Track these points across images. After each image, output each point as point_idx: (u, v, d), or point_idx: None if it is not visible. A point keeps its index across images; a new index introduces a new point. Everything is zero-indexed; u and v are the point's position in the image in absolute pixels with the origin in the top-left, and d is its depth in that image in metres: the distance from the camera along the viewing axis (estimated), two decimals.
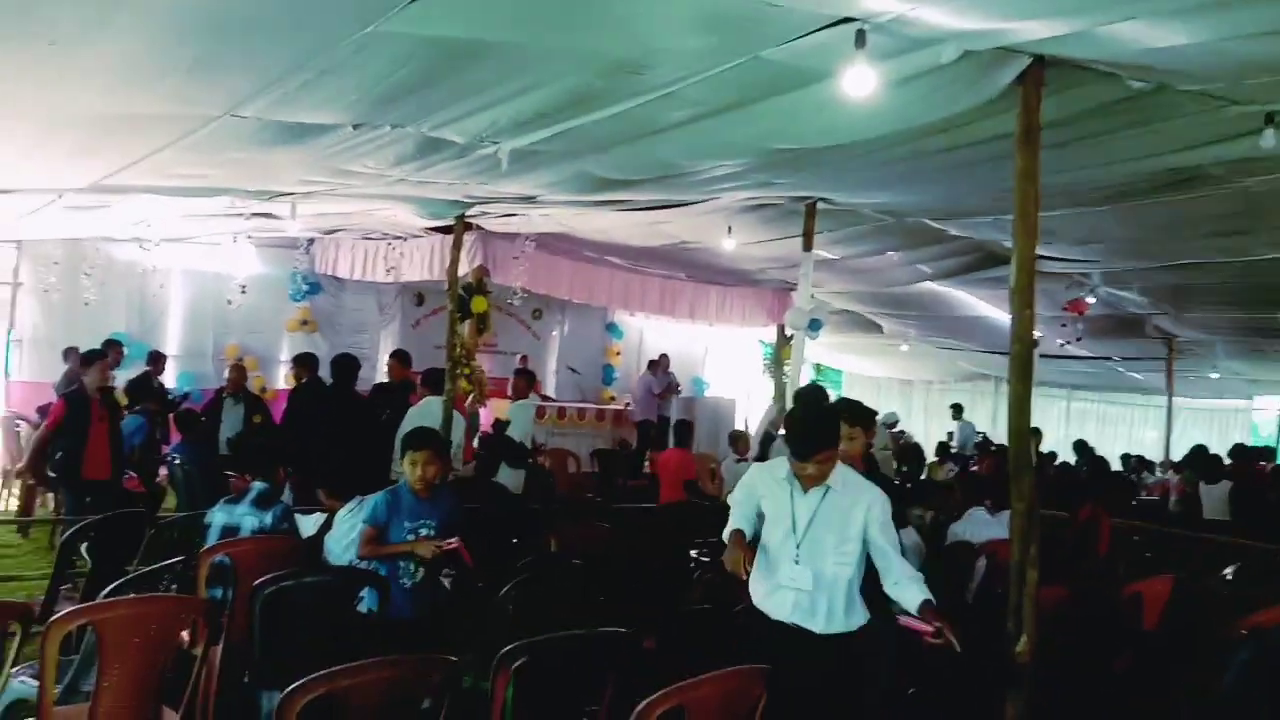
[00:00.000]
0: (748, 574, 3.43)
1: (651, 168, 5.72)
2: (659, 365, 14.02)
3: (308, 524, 5.39)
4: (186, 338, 12.08)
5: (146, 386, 9.59)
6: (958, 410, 15.29)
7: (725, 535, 3.61)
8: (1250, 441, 13.35)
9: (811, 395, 4.19)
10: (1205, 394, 14.79)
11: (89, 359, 7.32)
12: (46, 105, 4.43)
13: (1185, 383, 13.20)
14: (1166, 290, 9.82)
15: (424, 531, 4.32)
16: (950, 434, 15.02)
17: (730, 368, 17.20)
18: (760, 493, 3.66)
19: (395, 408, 8.21)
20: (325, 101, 4.29)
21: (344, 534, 4.73)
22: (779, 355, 12.66)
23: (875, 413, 5.04)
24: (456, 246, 8.54)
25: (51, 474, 7.59)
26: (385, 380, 9.59)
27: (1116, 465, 13.24)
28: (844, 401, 4.93)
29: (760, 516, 3.62)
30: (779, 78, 3.86)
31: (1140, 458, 14.12)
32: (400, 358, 9.26)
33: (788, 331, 10.84)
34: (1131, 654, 4.85)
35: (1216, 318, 10.61)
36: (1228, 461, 10.11)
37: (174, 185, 6.73)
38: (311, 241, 12.53)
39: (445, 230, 9.86)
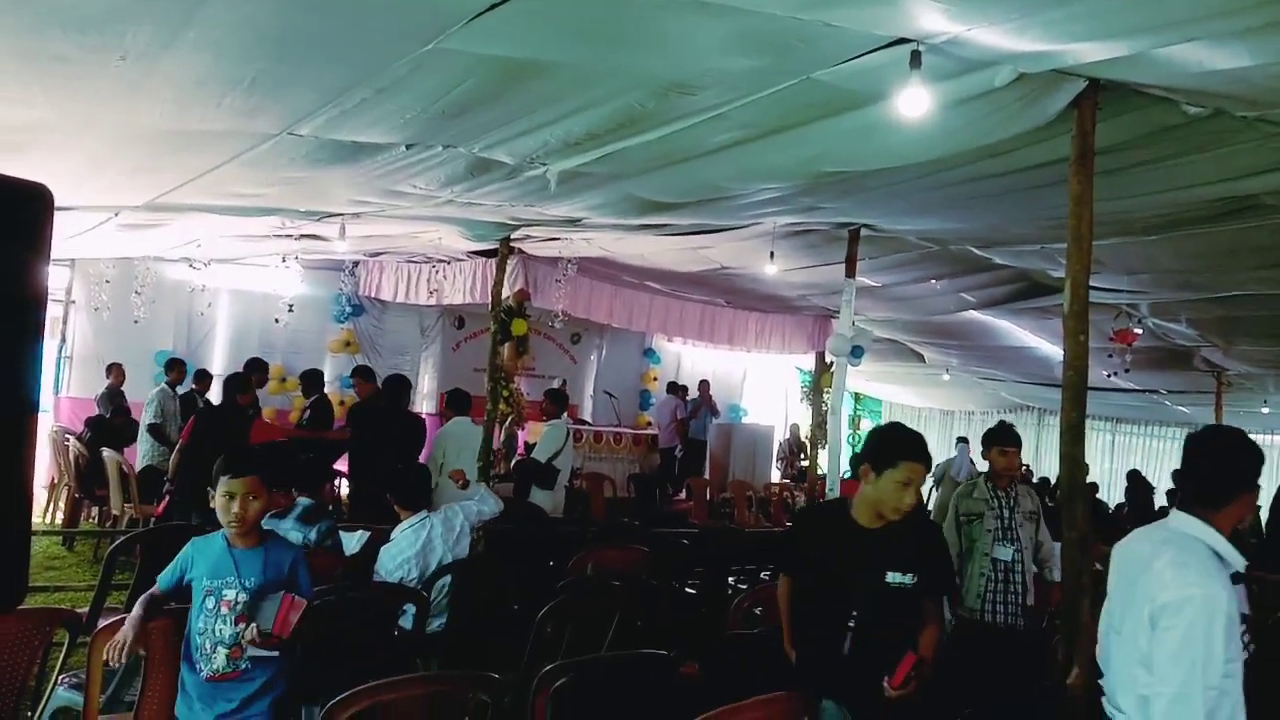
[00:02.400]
0: None
1: (697, 190, 5.74)
2: (687, 390, 14.04)
3: (351, 541, 5.43)
4: (231, 357, 12.25)
5: (194, 405, 9.72)
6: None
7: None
8: None
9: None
10: (1255, 429, 14.41)
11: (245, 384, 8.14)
12: (111, 121, 4.55)
13: (1234, 417, 12.87)
14: (1216, 322, 9.64)
15: (228, 594, 3.12)
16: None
17: (768, 395, 17.12)
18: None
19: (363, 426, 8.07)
20: (380, 120, 4.36)
21: (401, 549, 4.74)
22: (818, 383, 12.56)
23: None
24: (500, 269, 8.61)
25: None
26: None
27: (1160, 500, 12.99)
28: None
29: None
30: (830, 100, 3.86)
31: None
32: (364, 374, 8.86)
33: (828, 358, 10.77)
34: None
35: (1267, 352, 10.39)
36: None
37: (228, 204, 6.86)
38: (356, 264, 12.72)
39: (487, 254, 9.98)
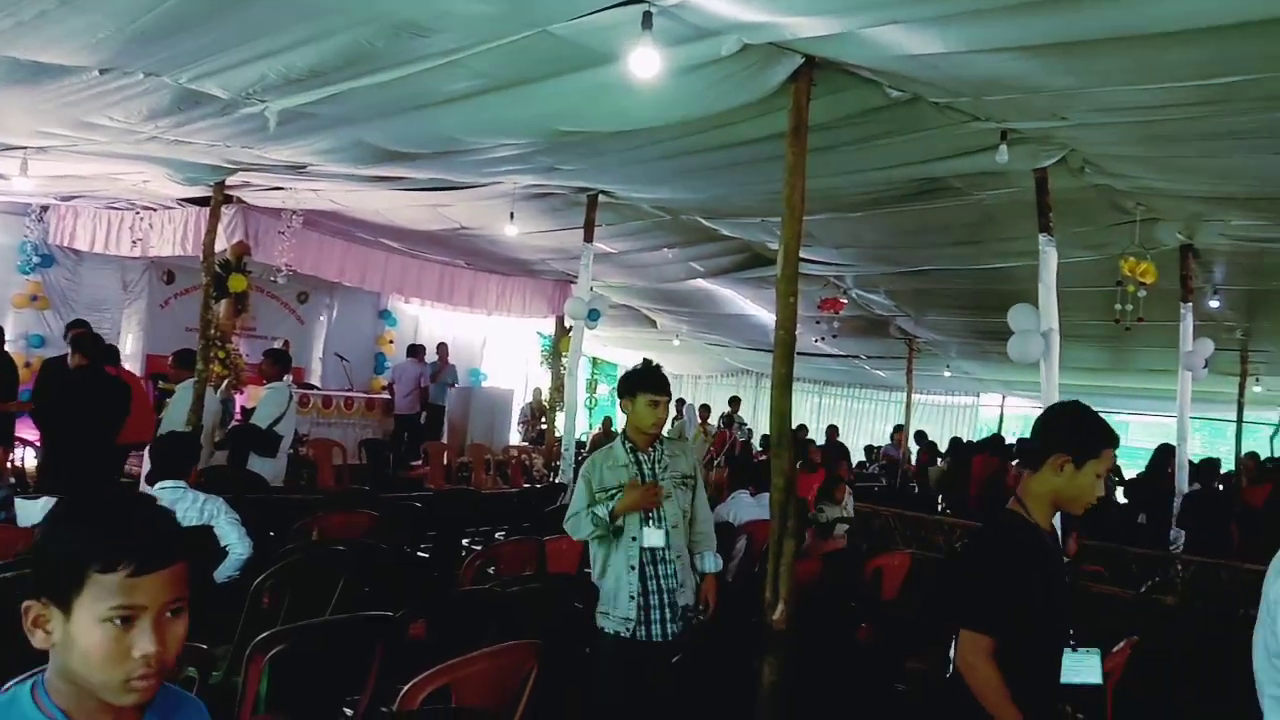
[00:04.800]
0: None
1: (433, 141, 5.57)
2: (424, 350, 13.76)
3: (34, 510, 4.87)
4: None
5: None
6: (735, 402, 15.98)
7: None
8: (974, 435, 14.85)
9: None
10: (939, 391, 16.31)
11: None
12: None
13: (923, 380, 14.47)
14: (909, 294, 10.71)
15: None
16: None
17: (509, 358, 17.11)
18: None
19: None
20: (67, 38, 3.86)
21: None
22: (558, 347, 12.71)
23: None
24: (214, 217, 7.95)
25: None
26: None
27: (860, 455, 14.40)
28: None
29: None
30: (566, 56, 3.86)
31: (881, 448, 15.36)
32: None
33: (568, 323, 10.91)
34: (873, 622, 5.25)
35: (950, 321, 11.69)
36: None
37: None
38: (45, 208, 11.29)
39: (201, 202, 9.17)
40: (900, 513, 8.86)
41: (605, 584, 3.71)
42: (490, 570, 5.05)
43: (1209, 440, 14.19)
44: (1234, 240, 7.00)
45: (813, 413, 17.14)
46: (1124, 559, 6.99)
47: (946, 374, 14.61)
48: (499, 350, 16.97)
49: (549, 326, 14.39)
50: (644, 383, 3.75)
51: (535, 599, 4.14)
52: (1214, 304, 8.38)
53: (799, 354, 12.41)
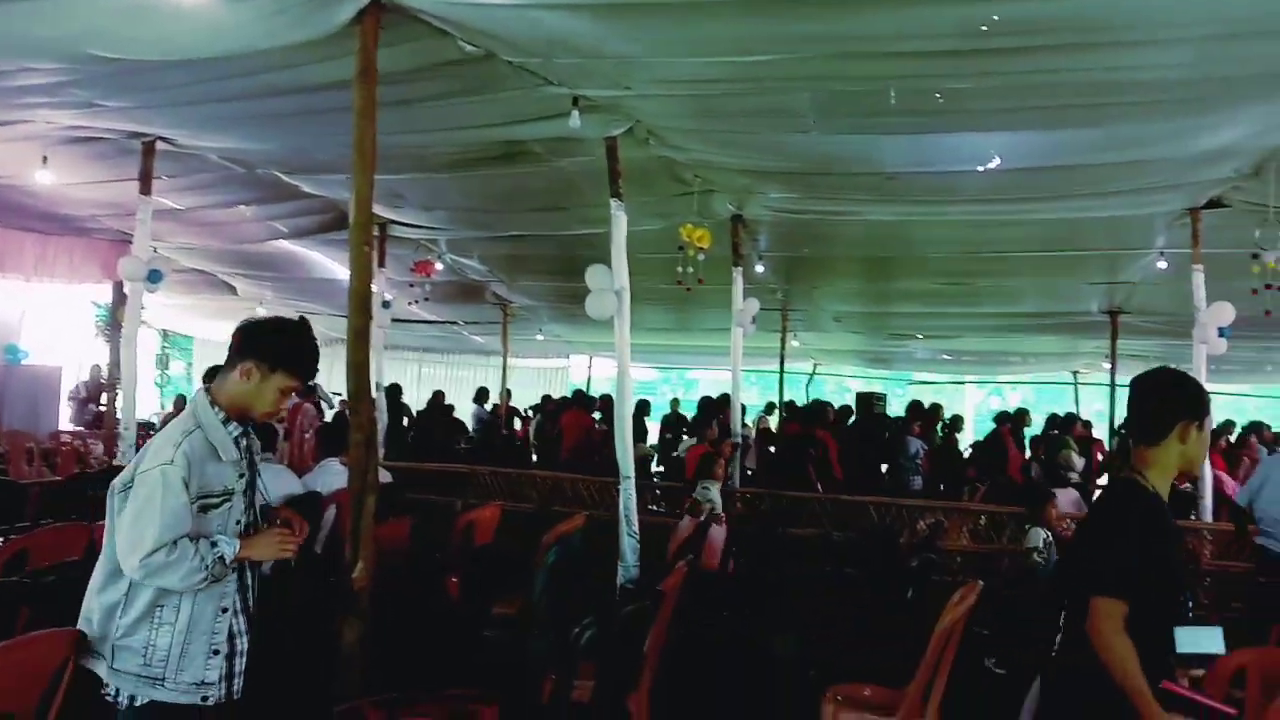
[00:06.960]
0: None
1: None
2: None
3: None
4: None
5: None
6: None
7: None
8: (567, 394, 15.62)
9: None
10: (534, 354, 16.89)
11: None
12: None
13: (518, 344, 14.87)
14: (501, 259, 10.91)
15: None
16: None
17: (57, 332, 14.93)
18: None
19: None
20: None
21: None
22: (116, 316, 11.27)
23: None
24: None
25: None
26: None
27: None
28: None
29: None
30: None
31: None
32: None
33: (126, 288, 9.73)
34: (461, 573, 5.34)
35: (540, 286, 12.11)
36: None
37: None
38: None
39: None
40: (496, 470, 9.11)
41: (163, 639, 2.49)
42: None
43: (763, 391, 16.14)
44: (774, 212, 7.99)
45: (414, 381, 16.92)
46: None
47: (540, 337, 15.16)
48: (43, 322, 14.74)
49: (107, 294, 12.73)
50: (293, 359, 2.61)
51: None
52: (759, 269, 9.52)
53: (397, 321, 12.08)
